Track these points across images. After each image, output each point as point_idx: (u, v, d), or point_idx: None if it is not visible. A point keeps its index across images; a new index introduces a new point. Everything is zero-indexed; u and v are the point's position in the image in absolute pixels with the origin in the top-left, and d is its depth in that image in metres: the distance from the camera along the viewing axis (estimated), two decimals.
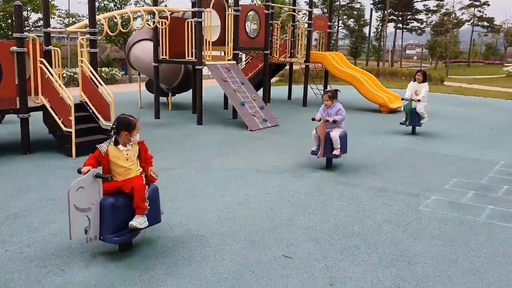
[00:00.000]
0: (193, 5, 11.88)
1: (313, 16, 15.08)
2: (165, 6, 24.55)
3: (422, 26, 68.83)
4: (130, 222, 3.92)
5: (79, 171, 3.84)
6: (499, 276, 3.86)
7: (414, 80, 10.18)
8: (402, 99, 10.28)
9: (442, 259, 4.15)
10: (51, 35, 9.96)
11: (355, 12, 66.95)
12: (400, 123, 10.24)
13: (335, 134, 6.87)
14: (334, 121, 6.83)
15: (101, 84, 8.23)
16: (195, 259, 4.05)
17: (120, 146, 4.06)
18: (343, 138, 7.02)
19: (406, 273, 3.87)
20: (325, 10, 59.15)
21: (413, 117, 9.96)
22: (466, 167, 7.52)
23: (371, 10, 52.37)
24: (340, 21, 67.64)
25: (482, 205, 5.65)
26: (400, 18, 66.45)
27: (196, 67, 11.15)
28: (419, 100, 9.78)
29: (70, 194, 3.68)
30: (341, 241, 4.50)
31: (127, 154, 4.05)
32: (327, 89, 7.35)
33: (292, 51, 15.69)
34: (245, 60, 17.67)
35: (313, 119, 7.05)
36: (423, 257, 4.18)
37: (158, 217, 4.25)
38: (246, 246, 4.32)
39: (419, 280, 3.77)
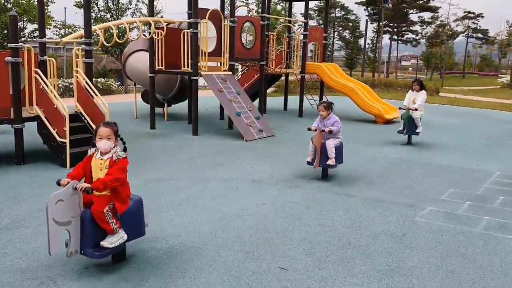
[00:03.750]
0: (189, 16, 11.94)
1: (308, 27, 15.14)
2: (161, 17, 24.63)
3: (417, 37, 69.28)
4: (101, 242, 3.77)
5: (58, 183, 3.69)
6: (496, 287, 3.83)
7: (412, 90, 10.23)
8: (400, 108, 10.31)
9: (439, 270, 4.12)
10: (47, 45, 9.96)
11: (351, 24, 67.34)
12: (398, 132, 10.27)
13: (330, 143, 6.86)
14: (330, 131, 6.83)
15: (96, 95, 8.21)
16: (189, 270, 4.00)
17: (98, 154, 3.91)
18: (339, 149, 7.01)
19: (402, 285, 3.83)
20: (321, 22, 59.54)
21: (410, 126, 10.00)
22: (462, 177, 7.51)
23: (366, 21, 52.79)
24: (336, 33, 68.00)
25: (478, 216, 5.64)
26: (395, 30, 66.89)
27: (192, 77, 11.15)
28: (416, 109, 9.81)
29: (49, 208, 3.53)
30: (337, 252, 4.47)
31: (100, 164, 3.87)
32: (322, 100, 7.34)
33: (288, 62, 15.74)
34: (241, 71, 17.72)
35: (309, 129, 7.05)
36: (419, 269, 4.14)
37: (142, 229, 4.15)
38: (241, 258, 4.28)
39: None
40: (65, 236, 3.74)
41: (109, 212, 3.77)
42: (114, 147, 3.91)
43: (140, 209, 4.11)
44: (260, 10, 13.99)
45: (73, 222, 3.70)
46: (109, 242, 3.78)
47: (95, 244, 3.80)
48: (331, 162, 6.91)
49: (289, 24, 17.00)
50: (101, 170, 3.85)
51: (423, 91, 10.15)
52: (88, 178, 3.91)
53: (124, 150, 4.01)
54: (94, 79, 9.16)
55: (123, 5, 29.67)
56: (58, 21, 32.20)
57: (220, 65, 12.18)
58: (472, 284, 3.88)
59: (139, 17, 27.79)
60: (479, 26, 70.94)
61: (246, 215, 5.48)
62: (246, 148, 9.70)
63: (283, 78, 18.11)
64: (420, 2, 63.26)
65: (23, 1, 26.84)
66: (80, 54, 8.74)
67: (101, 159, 3.88)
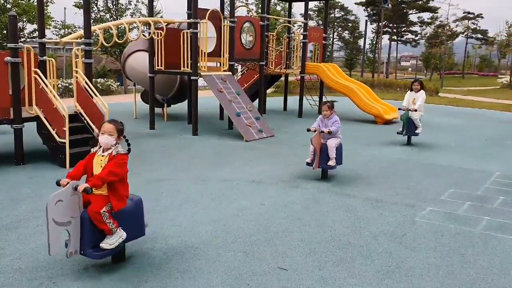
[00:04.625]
0: (189, 16, 11.94)
1: (308, 27, 15.15)
2: (161, 17, 24.63)
3: (416, 38, 69.23)
4: (100, 244, 3.76)
5: (58, 183, 3.69)
6: None
7: (411, 90, 10.22)
8: (399, 109, 10.31)
9: (439, 270, 4.12)
10: (47, 46, 9.95)
11: (350, 24, 67.36)
12: (397, 133, 10.27)
13: (331, 143, 6.87)
14: (329, 132, 6.83)
15: (95, 95, 8.20)
16: (189, 271, 3.99)
17: (100, 151, 3.92)
18: (339, 149, 7.01)
19: (402, 285, 3.83)
20: (320, 22, 59.54)
21: (410, 126, 10.00)
22: (461, 178, 7.51)
23: (366, 22, 52.65)
24: (335, 33, 68.02)
25: (479, 216, 5.63)
26: (394, 30, 66.85)
27: (192, 78, 11.14)
28: (415, 110, 9.81)
29: (49, 208, 3.52)
30: (337, 252, 4.46)
31: (101, 161, 3.87)
32: (325, 100, 7.38)
33: (288, 62, 15.74)
34: (241, 71, 17.71)
35: (308, 130, 7.05)
36: (419, 269, 4.14)
37: (141, 230, 4.15)
38: (241, 258, 4.28)
39: None
40: (65, 236, 3.73)
41: (106, 213, 3.75)
42: (115, 144, 3.90)
43: (140, 209, 4.11)
44: (259, 11, 13.96)
45: (73, 223, 3.69)
46: (108, 244, 3.77)
47: (94, 245, 3.79)
48: (331, 162, 6.90)
49: (289, 25, 17.00)
50: (101, 166, 3.84)
51: (422, 91, 10.15)
52: (89, 176, 3.91)
53: (128, 151, 3.99)
54: (93, 79, 9.15)
55: (122, 5, 29.68)
56: (57, 21, 32.20)
57: (220, 65, 12.17)
58: (472, 285, 3.87)
59: (139, 17, 27.80)
60: (479, 26, 70.91)
61: (246, 215, 5.47)
62: (246, 148, 9.69)
63: (282, 78, 18.11)
64: (420, 2, 63.22)
65: (22, 1, 26.83)
66: (79, 54, 8.73)
67: (102, 156, 3.88)
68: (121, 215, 3.88)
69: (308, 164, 7.11)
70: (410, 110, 9.83)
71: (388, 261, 4.30)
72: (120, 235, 3.85)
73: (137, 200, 4.10)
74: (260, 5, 16.89)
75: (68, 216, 3.65)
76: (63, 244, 3.75)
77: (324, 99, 14.07)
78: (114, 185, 3.83)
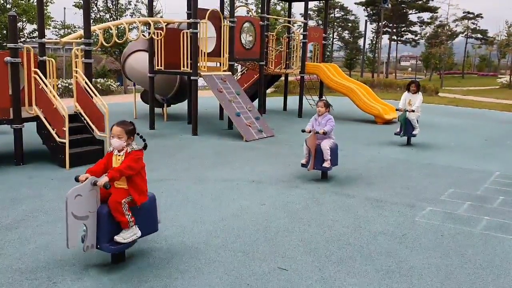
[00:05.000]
0: (189, 16, 11.94)
1: (308, 27, 15.15)
2: (161, 17, 24.63)
3: (416, 38, 69.24)
4: (115, 237, 3.85)
5: (76, 179, 3.79)
6: None
7: (408, 91, 10.23)
8: (396, 109, 10.32)
9: (438, 270, 4.12)
10: (47, 46, 9.95)
11: (350, 24, 67.36)
12: (395, 134, 10.27)
13: (325, 144, 6.84)
14: (324, 133, 6.81)
15: (95, 95, 8.20)
16: (189, 271, 3.99)
17: (116, 151, 4.06)
18: (334, 150, 6.99)
19: (402, 285, 3.83)
20: (320, 22, 59.52)
21: (407, 127, 10.00)
22: (461, 178, 7.51)
23: (366, 22, 52.54)
24: (335, 33, 68.01)
25: (478, 216, 5.63)
26: (394, 30, 66.86)
27: (192, 78, 11.14)
28: (412, 111, 9.82)
29: (68, 202, 3.63)
30: (337, 252, 4.46)
31: (118, 160, 4.01)
32: (322, 98, 7.37)
33: (287, 62, 15.74)
34: (241, 71, 17.71)
35: (303, 131, 7.03)
36: (419, 269, 4.14)
37: (155, 226, 4.24)
38: (241, 258, 4.28)
39: None
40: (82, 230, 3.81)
41: (126, 204, 3.86)
42: (126, 146, 4.03)
43: (154, 205, 4.21)
44: (259, 10, 13.96)
45: (91, 217, 3.79)
46: (122, 238, 3.86)
47: (110, 239, 3.86)
48: (326, 164, 6.88)
49: (289, 25, 17.00)
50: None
51: (420, 93, 10.17)
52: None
53: (145, 147, 4.16)
54: (93, 79, 9.15)
55: (122, 5, 29.67)
56: (57, 21, 32.20)
57: (220, 65, 12.17)
58: (472, 284, 3.87)
59: (139, 17, 27.79)
60: (479, 26, 70.91)
61: (245, 215, 5.47)
62: (246, 148, 9.69)
63: (282, 78, 18.10)
64: (420, 2, 63.24)
65: (22, 1, 26.81)
66: (79, 54, 8.72)
67: (119, 155, 4.03)
68: (138, 210, 3.98)
69: (303, 165, 7.10)
70: (407, 111, 9.84)
71: (388, 261, 4.30)
72: (135, 232, 3.95)
73: (151, 196, 4.18)
74: (260, 5, 16.90)
75: (87, 210, 3.76)
76: (79, 238, 3.80)
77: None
78: (133, 179, 3.96)
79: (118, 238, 3.85)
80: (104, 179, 3.75)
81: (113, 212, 3.83)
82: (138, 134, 4.18)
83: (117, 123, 4.10)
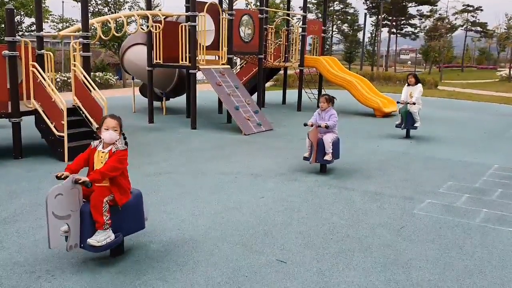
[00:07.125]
0: (187, 9, 11.90)
1: (307, 20, 15.10)
2: (159, 10, 24.53)
3: (416, 31, 69.17)
4: (88, 240, 3.68)
5: (57, 177, 3.69)
6: (494, 280, 3.84)
7: (408, 84, 10.22)
8: (397, 102, 10.30)
9: (437, 262, 4.13)
10: (45, 39, 9.91)
11: (349, 17, 67.17)
12: (396, 126, 10.27)
13: (327, 138, 6.85)
14: (326, 127, 6.81)
15: (94, 89, 8.18)
16: (188, 263, 4.00)
17: (100, 147, 3.93)
18: (336, 144, 7.00)
19: (401, 277, 3.84)
20: (319, 15, 59.35)
21: (408, 120, 10.00)
22: (460, 170, 7.52)
23: (365, 15, 52.47)
24: (334, 26, 67.86)
25: (477, 208, 5.64)
26: (394, 23, 66.74)
27: (190, 71, 11.12)
28: (413, 103, 9.82)
29: (48, 201, 3.53)
30: (335, 245, 4.47)
31: (101, 157, 3.87)
32: (324, 93, 7.37)
33: (287, 55, 15.69)
34: (240, 65, 17.66)
35: (305, 125, 7.03)
36: (418, 261, 4.15)
37: (141, 223, 4.17)
38: (240, 251, 4.28)
39: (413, 284, 3.73)
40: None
41: (107, 205, 3.75)
42: (117, 140, 3.92)
43: (139, 202, 4.12)
44: (258, 3, 13.91)
45: (73, 216, 3.70)
46: (96, 241, 3.69)
47: None
48: (328, 157, 6.89)
49: (288, 17, 16.93)
50: (101, 163, 3.85)
51: (419, 85, 10.16)
52: (90, 171, 3.91)
53: (125, 144, 4.01)
54: (92, 73, 9.13)
55: None
56: (55, 15, 32.09)
57: (219, 58, 12.14)
58: (470, 276, 3.88)
59: (137, 10, 27.68)
60: (478, 19, 70.76)
61: (244, 208, 5.48)
62: (245, 142, 9.69)
63: (281, 71, 18.06)
64: None
65: None
66: (77, 48, 8.70)
67: (103, 152, 3.89)
68: (123, 207, 3.89)
69: (305, 158, 7.10)
70: (408, 103, 9.83)
71: (387, 253, 4.30)
72: (108, 235, 3.78)
73: (137, 193, 4.10)
74: None
75: (68, 209, 3.66)
76: (63, 237, 3.75)
77: (323, 93, 14.05)
78: (116, 179, 3.85)
79: (92, 241, 3.67)
80: (84, 178, 3.64)
81: (92, 208, 3.70)
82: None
83: (109, 115, 3.99)
